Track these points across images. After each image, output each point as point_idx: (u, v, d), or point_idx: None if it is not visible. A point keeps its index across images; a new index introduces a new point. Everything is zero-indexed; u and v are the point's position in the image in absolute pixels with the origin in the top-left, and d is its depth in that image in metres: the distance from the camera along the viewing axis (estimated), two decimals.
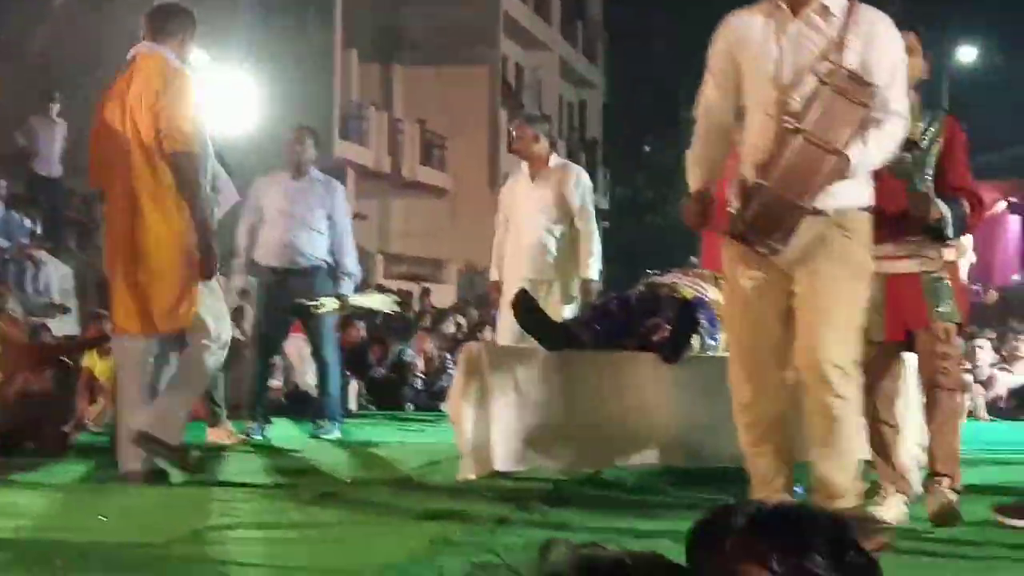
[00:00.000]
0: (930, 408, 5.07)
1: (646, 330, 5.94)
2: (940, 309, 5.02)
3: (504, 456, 5.86)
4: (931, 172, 5.00)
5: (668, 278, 6.35)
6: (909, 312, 4.99)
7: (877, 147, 4.37)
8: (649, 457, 5.80)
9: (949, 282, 5.04)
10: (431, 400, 12.15)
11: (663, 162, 37.43)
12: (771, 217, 4.32)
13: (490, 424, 5.81)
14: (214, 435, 8.13)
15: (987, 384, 13.34)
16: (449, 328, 16.28)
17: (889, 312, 4.96)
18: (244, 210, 8.65)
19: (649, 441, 5.76)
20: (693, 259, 11.21)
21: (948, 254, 5.11)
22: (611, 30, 40.26)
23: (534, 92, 35.14)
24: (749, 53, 4.48)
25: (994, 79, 37.15)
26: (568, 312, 7.81)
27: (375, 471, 6.90)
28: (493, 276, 8.61)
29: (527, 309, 6.14)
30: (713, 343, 5.90)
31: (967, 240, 9.04)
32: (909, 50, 4.70)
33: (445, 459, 6.77)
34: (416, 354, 13.40)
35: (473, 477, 5.86)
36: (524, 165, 8.37)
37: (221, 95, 9.14)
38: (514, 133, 8.68)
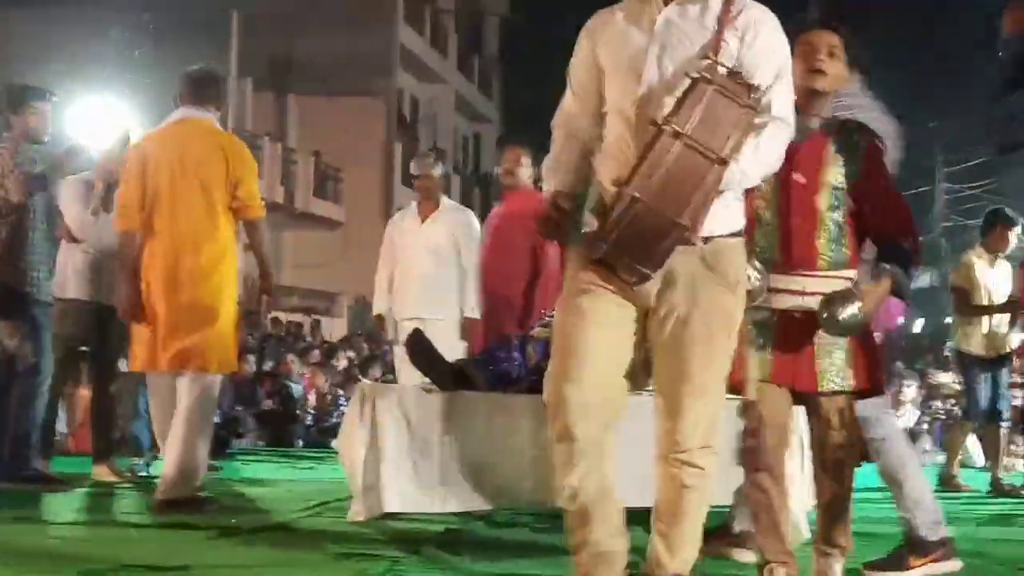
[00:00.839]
0: (818, 482, 4.48)
1: (541, 372, 5.90)
2: (833, 378, 4.33)
3: (395, 498, 5.81)
4: (841, 197, 4.33)
5: None
6: (797, 366, 4.34)
7: (757, 159, 3.78)
8: (543, 499, 5.77)
9: (855, 339, 4.32)
10: (321, 436, 12.02)
11: None
12: (644, 237, 3.66)
13: (381, 465, 5.76)
14: (101, 472, 7.98)
15: None
16: (341, 362, 16.15)
17: (777, 352, 4.34)
18: None
19: (543, 483, 5.72)
20: None
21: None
22: (507, 64, 40.49)
23: (429, 125, 35.19)
24: (612, 49, 3.90)
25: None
26: (463, 351, 7.81)
27: (263, 511, 6.78)
28: (378, 309, 8.69)
29: (421, 349, 6.10)
30: None
31: None
32: (831, 53, 4.34)
33: (335, 500, 6.69)
34: (307, 389, 13.27)
35: (363, 519, 5.79)
36: (415, 202, 8.52)
37: (110, 122, 8.97)
38: (419, 172, 8.65)
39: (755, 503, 4.35)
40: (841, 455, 4.38)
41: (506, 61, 40.48)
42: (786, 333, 4.32)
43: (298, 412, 12.62)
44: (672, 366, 3.80)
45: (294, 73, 29.93)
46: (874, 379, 4.44)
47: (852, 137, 4.38)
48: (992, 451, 9.40)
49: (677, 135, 3.58)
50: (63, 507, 6.73)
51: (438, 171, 8.60)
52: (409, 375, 7.21)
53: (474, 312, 8.27)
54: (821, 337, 4.30)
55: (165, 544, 5.46)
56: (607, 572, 3.84)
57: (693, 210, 3.61)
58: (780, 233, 4.31)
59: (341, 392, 12.96)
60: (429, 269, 8.38)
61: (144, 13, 20.61)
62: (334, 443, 7.03)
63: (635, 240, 3.65)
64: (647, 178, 3.60)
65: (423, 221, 8.43)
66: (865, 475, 5.00)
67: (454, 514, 6.01)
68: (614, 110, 3.86)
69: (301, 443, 12.13)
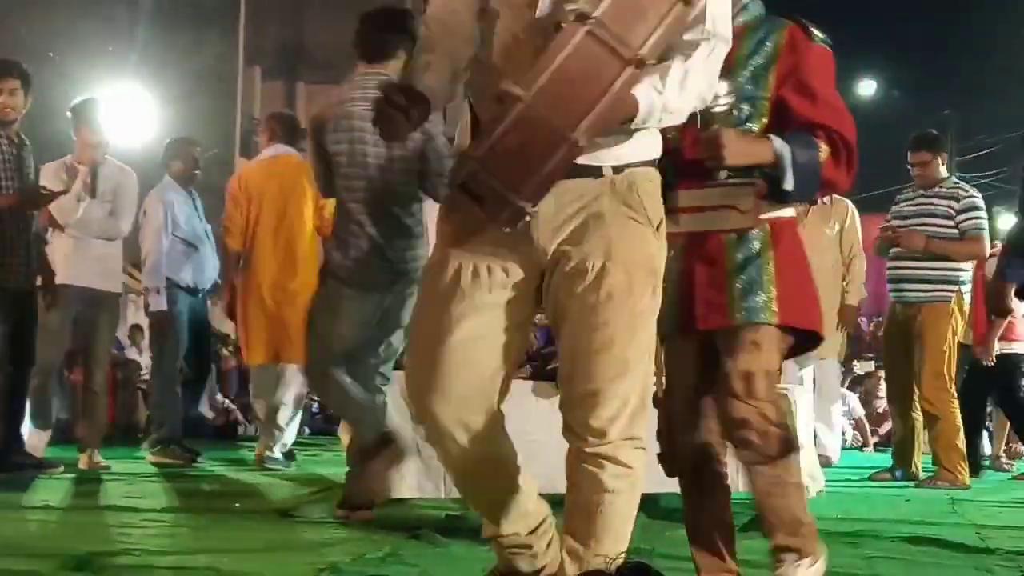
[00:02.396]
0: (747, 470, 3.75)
1: (543, 358, 5.92)
2: (746, 304, 3.57)
3: (397, 483, 5.81)
4: (759, 105, 3.61)
5: None
6: (705, 298, 3.59)
7: (686, 90, 3.03)
8: (542, 486, 5.75)
9: (774, 262, 3.61)
10: (326, 424, 12.03)
11: None
12: (524, 153, 2.79)
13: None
14: (83, 461, 8.03)
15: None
16: None
17: (681, 292, 3.61)
18: None
19: (546, 468, 5.72)
20: None
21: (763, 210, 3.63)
22: None
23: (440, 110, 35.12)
24: None
25: (893, 112, 37.84)
26: None
27: (266, 496, 6.80)
28: None
29: None
30: None
31: (860, 271, 9.16)
32: None
33: (337, 485, 6.70)
34: None
35: None
36: None
37: (120, 110, 9.05)
38: None
39: (688, 515, 3.87)
40: (752, 432, 3.56)
41: None
42: (690, 262, 3.63)
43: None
44: (585, 336, 3.01)
45: (303, 60, 29.89)
46: (805, 316, 3.71)
47: (772, 28, 3.64)
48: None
49: (582, 18, 2.78)
50: (55, 492, 6.75)
51: None
52: None
53: None
54: (728, 254, 3.60)
55: (165, 528, 5.48)
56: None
57: (591, 123, 2.79)
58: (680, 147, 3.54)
59: None
60: None
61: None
62: (338, 430, 7.03)
63: (512, 157, 2.80)
64: (537, 74, 2.77)
65: None
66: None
67: (455, 500, 6.00)
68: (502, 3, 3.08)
69: (307, 431, 12.14)
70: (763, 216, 3.61)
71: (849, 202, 9.34)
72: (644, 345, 3.08)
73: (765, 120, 3.61)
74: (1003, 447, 10.48)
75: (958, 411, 8.21)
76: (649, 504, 6.10)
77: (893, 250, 8.29)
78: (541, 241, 3.03)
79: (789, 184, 3.53)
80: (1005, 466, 10.03)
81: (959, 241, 8.21)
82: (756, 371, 3.55)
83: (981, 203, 8.31)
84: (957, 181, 8.62)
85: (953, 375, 8.29)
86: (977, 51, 38.03)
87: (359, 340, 5.76)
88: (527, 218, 2.89)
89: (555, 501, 6.15)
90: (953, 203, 8.29)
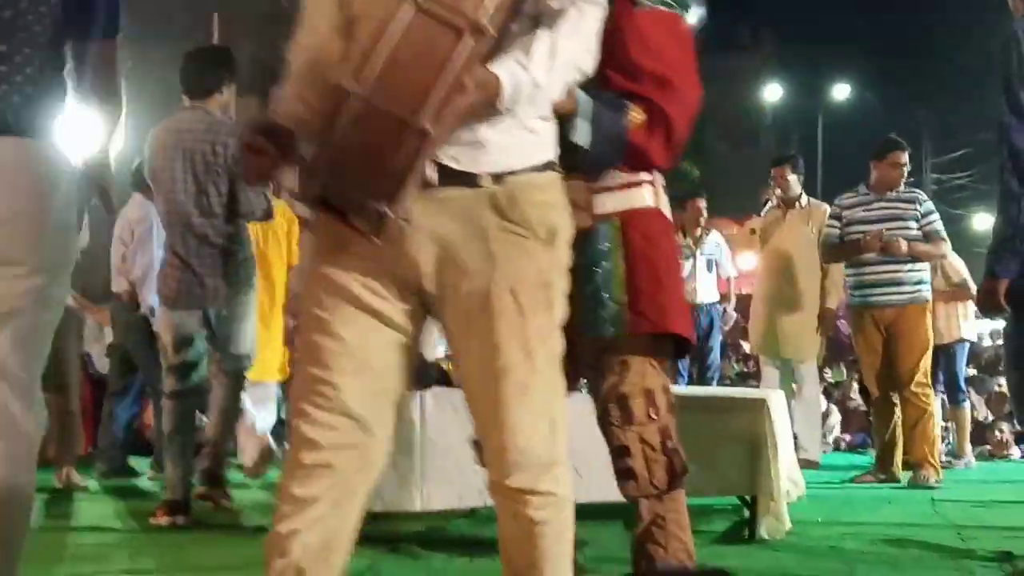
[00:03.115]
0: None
1: None
2: (594, 316, 3.33)
3: (375, 497, 5.76)
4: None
5: None
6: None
7: (556, 62, 2.69)
8: None
9: (625, 262, 3.35)
10: None
11: None
12: (368, 151, 2.52)
13: None
14: (60, 478, 7.96)
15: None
16: None
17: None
18: None
19: None
20: None
21: (607, 203, 3.36)
22: None
23: None
24: None
25: (867, 115, 38.01)
26: (442, 349, 7.79)
27: (246, 513, 6.76)
28: None
29: None
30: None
31: (838, 274, 9.16)
32: None
33: None
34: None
35: None
36: None
37: (92, 124, 8.98)
38: None
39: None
40: (627, 456, 3.40)
41: None
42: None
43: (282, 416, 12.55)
44: (478, 362, 2.78)
45: (278, 76, 29.88)
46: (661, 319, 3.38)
47: None
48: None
49: None
50: (47, 512, 6.70)
51: None
52: None
53: None
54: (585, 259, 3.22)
55: (143, 547, 5.44)
56: None
57: (437, 105, 2.49)
58: None
59: None
60: None
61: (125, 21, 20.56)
62: None
63: (358, 157, 2.53)
64: (368, 64, 2.49)
65: None
66: None
67: (435, 512, 5.98)
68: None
69: (287, 445, 12.06)
70: (608, 209, 3.32)
71: (827, 206, 9.35)
72: (545, 365, 2.78)
73: None
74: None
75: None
76: (627, 512, 6.09)
77: (861, 256, 8.26)
78: (421, 260, 2.73)
79: (583, 138, 3.19)
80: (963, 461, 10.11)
81: (929, 243, 8.26)
82: (630, 392, 3.32)
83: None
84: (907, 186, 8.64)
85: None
86: (951, 53, 38.24)
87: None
88: (401, 225, 2.60)
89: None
90: (916, 206, 8.33)
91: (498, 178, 2.71)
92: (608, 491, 5.66)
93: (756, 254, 9.83)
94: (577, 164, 3.10)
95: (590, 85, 3.08)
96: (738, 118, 40.58)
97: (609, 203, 3.37)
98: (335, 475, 2.77)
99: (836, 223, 8.43)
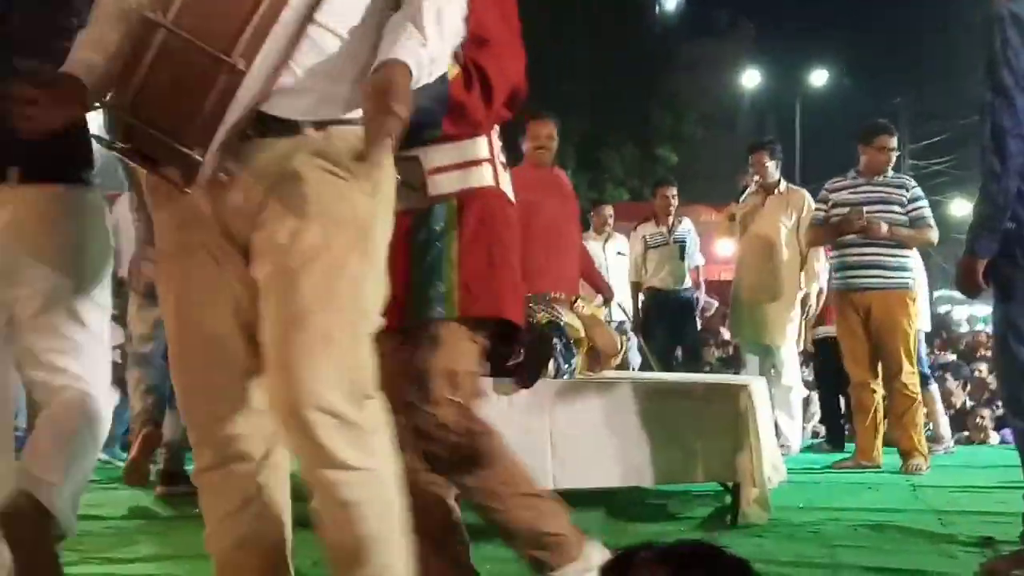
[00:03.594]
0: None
1: (500, 356, 5.88)
2: (421, 297, 3.15)
3: None
4: None
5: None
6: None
7: (443, 30, 2.58)
8: None
9: (458, 243, 3.21)
10: None
11: None
12: (179, 90, 2.33)
13: None
14: None
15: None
16: None
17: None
18: None
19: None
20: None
21: (444, 183, 3.22)
22: None
23: None
24: None
25: (845, 101, 38.11)
26: None
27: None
28: None
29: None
30: (567, 368, 5.88)
31: (819, 260, 9.17)
32: None
33: (300, 487, 6.63)
34: None
35: None
36: None
37: None
38: None
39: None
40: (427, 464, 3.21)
41: None
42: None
43: None
44: (279, 310, 2.51)
45: None
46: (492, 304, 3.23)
47: None
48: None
49: None
50: None
51: None
52: None
53: None
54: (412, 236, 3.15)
55: (126, 536, 5.43)
56: None
57: (252, 40, 2.33)
58: None
59: None
60: None
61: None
62: None
63: (165, 98, 2.32)
64: None
65: None
66: None
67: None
68: None
69: None
70: (444, 190, 3.18)
71: (806, 192, 9.35)
72: (352, 317, 2.53)
73: None
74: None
75: None
76: (608, 499, 6.11)
77: (843, 239, 8.25)
78: (243, 211, 2.54)
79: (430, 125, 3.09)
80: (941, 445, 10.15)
81: (915, 229, 8.24)
82: (432, 371, 3.12)
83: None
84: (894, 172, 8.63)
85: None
86: (927, 39, 38.33)
87: None
88: (215, 173, 2.43)
89: None
90: (904, 192, 8.31)
91: (320, 127, 2.56)
92: (589, 478, 5.70)
93: (735, 241, 9.81)
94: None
95: None
96: (716, 104, 40.58)
97: (446, 183, 3.22)
98: None
99: (823, 206, 8.40)
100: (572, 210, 8.04)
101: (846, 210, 8.19)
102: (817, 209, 8.47)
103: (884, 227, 8.07)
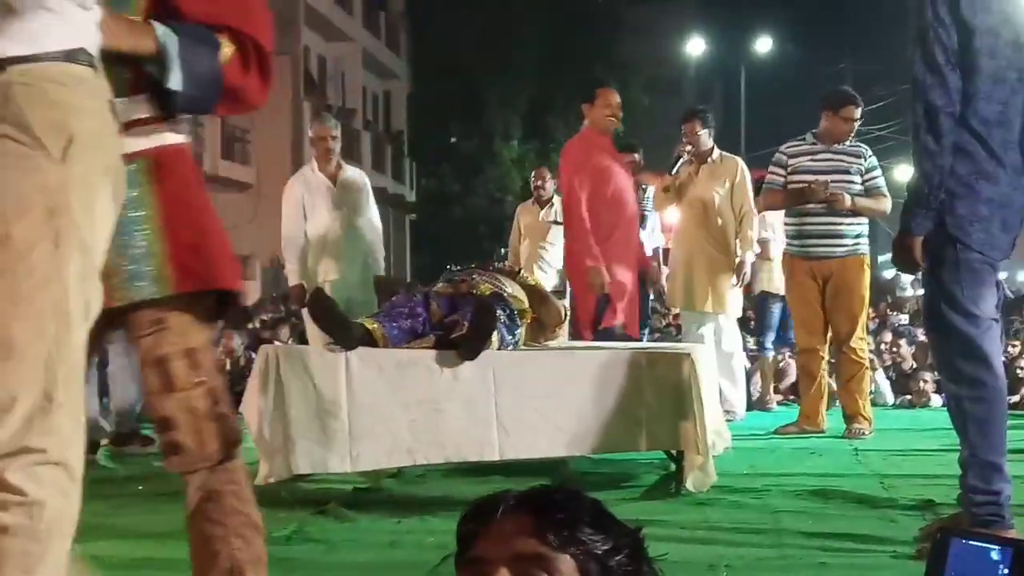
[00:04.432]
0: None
1: (445, 327, 5.88)
2: (127, 275, 2.75)
3: (303, 459, 5.74)
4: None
5: (466, 274, 6.31)
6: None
7: None
8: (451, 454, 5.75)
9: (161, 210, 2.79)
10: (233, 401, 11.88)
11: (468, 153, 37.53)
12: None
13: (287, 427, 5.69)
14: None
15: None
16: (256, 326, 15.99)
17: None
18: None
19: (451, 438, 5.71)
20: (503, 250, 11.36)
21: (136, 141, 2.71)
22: (413, 20, 40.20)
23: (337, 83, 34.90)
24: None
25: (790, 68, 38.27)
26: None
27: (168, 477, 6.70)
28: (295, 280, 8.74)
29: (322, 308, 6.03)
30: (511, 339, 5.89)
31: (753, 227, 9.19)
32: None
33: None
34: (224, 354, 13.10)
35: (272, 482, 5.72)
36: (315, 163, 8.71)
37: None
38: (315, 133, 8.85)
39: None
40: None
41: (413, 17, 40.16)
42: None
43: None
44: None
45: None
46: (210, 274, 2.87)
47: None
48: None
49: None
50: None
51: (334, 131, 8.81)
52: (318, 337, 7.23)
53: (381, 269, 8.82)
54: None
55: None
56: None
57: None
58: None
59: (254, 355, 12.80)
60: (345, 230, 8.67)
61: None
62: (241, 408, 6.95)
63: None
64: None
65: (334, 183, 8.60)
66: None
67: (364, 473, 5.97)
68: None
69: None
70: (137, 148, 2.72)
71: (739, 159, 9.36)
72: (41, 317, 2.10)
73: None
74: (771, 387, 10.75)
75: None
76: (554, 469, 6.13)
77: (803, 207, 8.28)
78: None
79: (176, 82, 2.70)
80: (769, 406, 10.31)
81: (872, 199, 8.31)
82: (170, 354, 2.80)
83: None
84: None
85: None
86: (870, 4, 38.47)
87: None
88: None
89: (462, 470, 6.19)
90: (861, 161, 8.36)
91: (23, 64, 2.13)
92: (535, 448, 5.72)
93: (673, 210, 9.83)
94: (166, 110, 2.73)
95: (161, 13, 2.72)
96: (662, 72, 40.63)
97: (136, 141, 2.73)
98: None
99: (780, 170, 8.39)
100: (630, 179, 8.12)
101: (809, 178, 8.22)
102: (773, 173, 8.45)
103: (848, 200, 8.14)
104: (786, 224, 8.63)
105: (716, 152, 9.25)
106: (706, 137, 9.18)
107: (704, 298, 9.04)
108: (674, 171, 9.31)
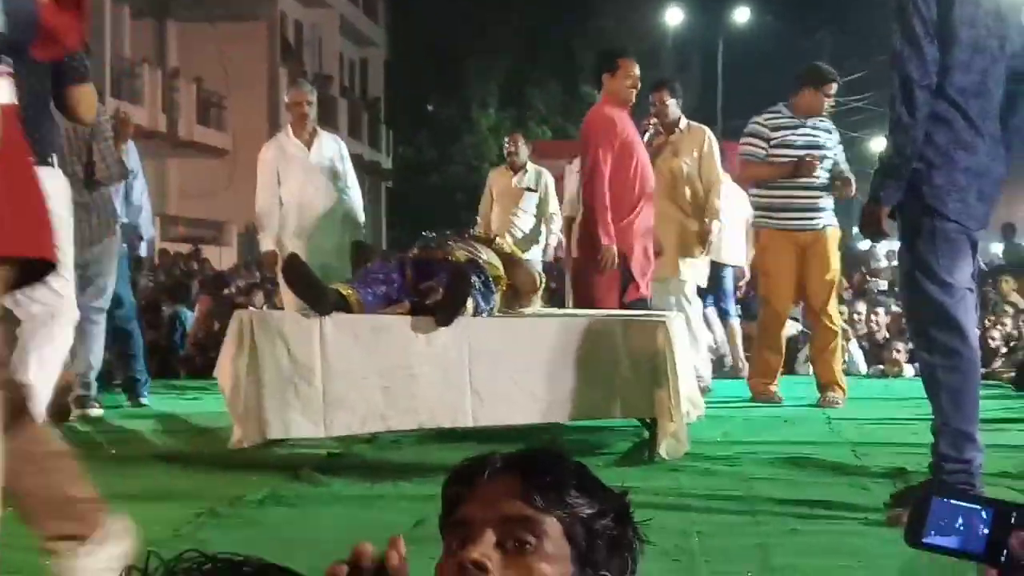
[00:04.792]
0: None
1: (419, 293, 5.87)
2: None
3: (277, 424, 5.73)
4: None
5: (442, 241, 6.29)
6: None
7: None
8: (425, 420, 5.75)
9: None
10: (207, 367, 11.85)
11: (446, 121, 37.45)
12: None
13: (261, 391, 5.67)
14: None
15: None
16: (231, 292, 15.95)
17: None
18: None
19: (425, 404, 5.71)
20: (477, 219, 11.29)
21: None
22: None
23: (314, 50, 34.74)
24: None
25: (768, 38, 38.26)
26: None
27: (143, 441, 6.69)
28: (269, 246, 8.67)
29: (297, 274, 6.01)
30: (486, 306, 5.87)
31: (719, 196, 9.18)
32: None
33: (216, 428, 6.62)
34: (199, 319, 13.06)
35: (245, 446, 5.71)
36: (289, 129, 8.66)
37: None
38: (291, 99, 8.83)
39: None
40: None
41: None
42: None
43: (176, 341, 12.42)
44: None
45: None
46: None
47: None
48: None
49: None
50: None
51: (308, 96, 8.75)
52: (293, 304, 7.23)
53: (361, 235, 8.90)
54: None
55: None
56: None
57: None
58: None
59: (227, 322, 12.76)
60: (321, 196, 8.56)
61: None
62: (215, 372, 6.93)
63: None
64: None
65: (308, 148, 8.54)
66: None
67: (338, 438, 5.97)
68: None
69: (183, 373, 11.94)
70: None
71: (706, 128, 9.34)
72: None
73: None
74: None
75: None
76: (527, 435, 6.14)
77: (789, 180, 8.29)
78: None
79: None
80: (741, 373, 10.39)
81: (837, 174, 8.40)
82: None
83: None
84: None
85: None
86: None
87: None
88: None
89: (438, 436, 6.19)
90: (832, 136, 8.43)
91: None
92: (509, 415, 5.73)
93: None
94: None
95: None
96: (639, 42, 40.55)
97: None
98: None
99: (761, 142, 8.38)
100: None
101: (792, 152, 8.24)
102: (752, 144, 8.43)
103: (853, 186, 8.34)
104: (764, 196, 8.59)
105: (684, 122, 9.17)
106: (674, 107, 9.09)
107: (675, 267, 9.01)
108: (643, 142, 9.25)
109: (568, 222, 10.69)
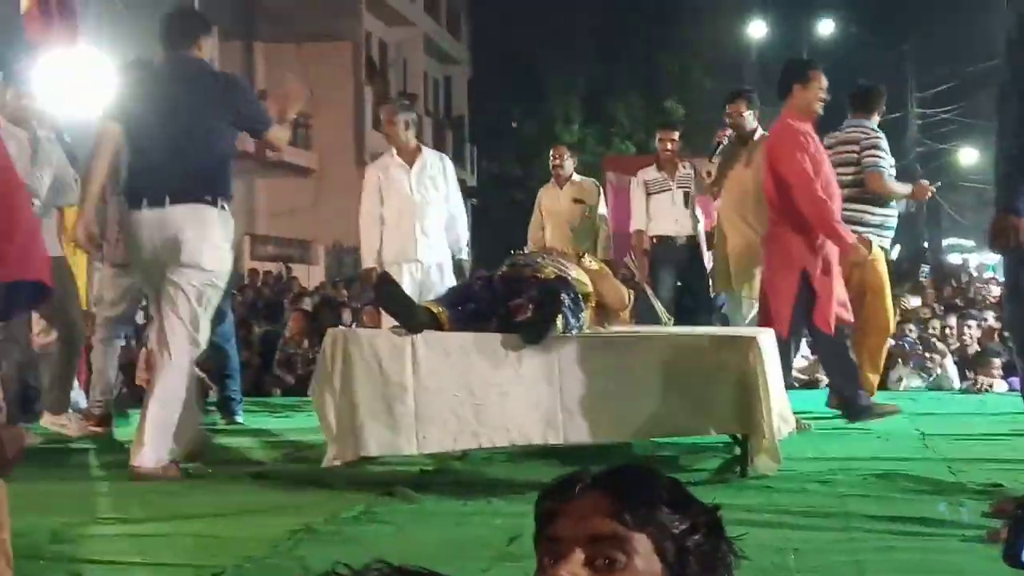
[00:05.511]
0: None
1: (509, 310, 5.89)
2: None
3: (370, 442, 5.78)
4: None
5: (531, 258, 6.33)
6: None
7: None
8: (516, 437, 5.78)
9: None
10: (300, 385, 11.98)
11: (529, 137, 37.52)
12: None
13: (355, 410, 5.73)
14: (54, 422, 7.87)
15: None
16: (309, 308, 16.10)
17: None
18: None
19: (516, 422, 5.74)
20: (529, 241, 11.21)
21: None
22: (475, 4, 40.21)
23: (398, 69, 35.00)
24: None
25: (853, 50, 37.91)
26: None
27: (238, 460, 6.78)
28: (368, 264, 8.73)
29: (388, 292, 6.07)
30: (576, 323, 5.88)
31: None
32: None
33: (310, 447, 6.69)
34: (291, 334, 13.19)
35: (339, 464, 5.77)
36: (393, 149, 8.73)
37: (74, 79, 8.95)
38: (383, 117, 8.96)
39: None
40: None
41: (474, 1, 40.18)
42: None
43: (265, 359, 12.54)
44: None
45: (260, 20, 29.71)
46: None
47: None
48: None
49: None
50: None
51: (401, 118, 8.79)
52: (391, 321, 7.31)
53: (464, 253, 8.91)
54: None
55: (138, 496, 5.45)
56: None
57: None
58: None
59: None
60: (417, 216, 8.61)
61: None
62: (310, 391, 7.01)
63: None
64: None
65: (411, 167, 8.59)
66: None
67: (430, 456, 6.02)
68: None
69: (279, 391, 12.08)
70: None
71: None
72: None
73: None
74: None
75: None
76: (618, 453, 6.15)
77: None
78: None
79: None
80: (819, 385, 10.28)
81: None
82: None
83: None
84: None
85: None
86: None
87: None
88: None
89: (529, 452, 6.22)
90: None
91: None
92: (599, 432, 5.74)
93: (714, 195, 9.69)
94: None
95: None
96: (722, 55, 40.41)
97: None
98: None
99: (886, 155, 8.38)
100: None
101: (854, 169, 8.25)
102: (880, 157, 8.37)
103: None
104: (873, 214, 8.43)
105: (759, 134, 9.02)
106: (751, 118, 8.96)
107: (742, 282, 8.89)
108: (714, 158, 9.17)
109: (637, 236, 10.62)
